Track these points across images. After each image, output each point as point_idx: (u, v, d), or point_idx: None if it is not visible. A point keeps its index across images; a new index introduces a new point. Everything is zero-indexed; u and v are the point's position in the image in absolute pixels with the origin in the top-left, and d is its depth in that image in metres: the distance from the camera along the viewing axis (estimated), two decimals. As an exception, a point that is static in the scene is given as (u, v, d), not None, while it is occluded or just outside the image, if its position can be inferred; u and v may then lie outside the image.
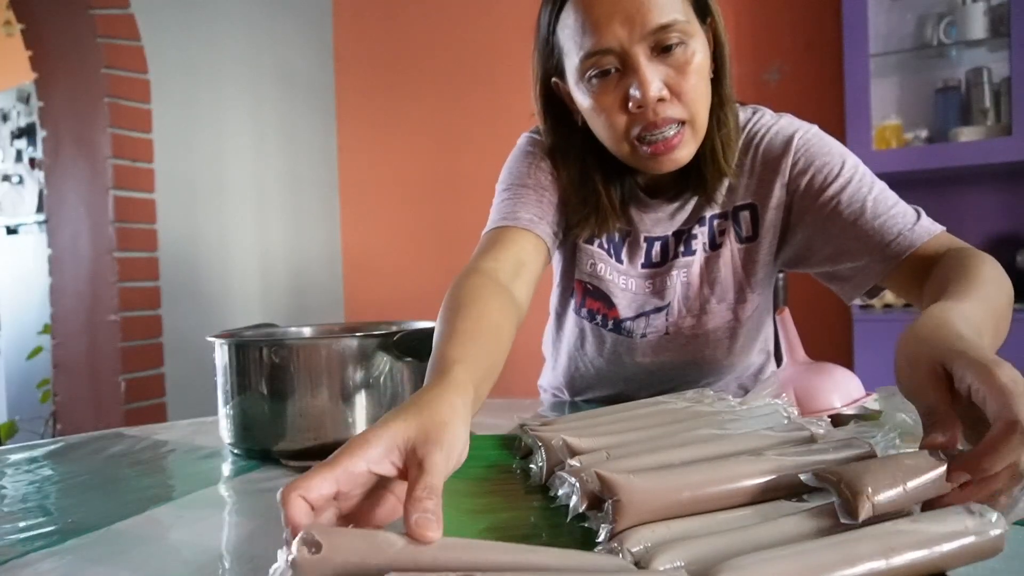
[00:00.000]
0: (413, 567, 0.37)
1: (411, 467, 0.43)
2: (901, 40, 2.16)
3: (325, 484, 0.41)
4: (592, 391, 1.07)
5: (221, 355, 0.76)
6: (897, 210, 0.81)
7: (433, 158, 2.92)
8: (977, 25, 2.02)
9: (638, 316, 0.96)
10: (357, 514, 0.45)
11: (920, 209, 0.82)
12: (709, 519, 0.44)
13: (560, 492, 0.53)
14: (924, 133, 2.11)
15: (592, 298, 0.97)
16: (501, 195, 0.92)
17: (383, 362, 0.74)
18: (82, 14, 2.12)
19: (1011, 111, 1.93)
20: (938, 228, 0.80)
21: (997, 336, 0.61)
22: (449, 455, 0.44)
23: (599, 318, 0.98)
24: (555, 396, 1.14)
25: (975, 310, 0.57)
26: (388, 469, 0.44)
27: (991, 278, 0.66)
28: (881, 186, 0.84)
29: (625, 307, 0.95)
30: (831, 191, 0.83)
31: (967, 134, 2.03)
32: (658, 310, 0.94)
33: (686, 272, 0.93)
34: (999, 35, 2.01)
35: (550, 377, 1.16)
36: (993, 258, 0.71)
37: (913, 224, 0.80)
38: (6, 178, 3.50)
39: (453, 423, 0.46)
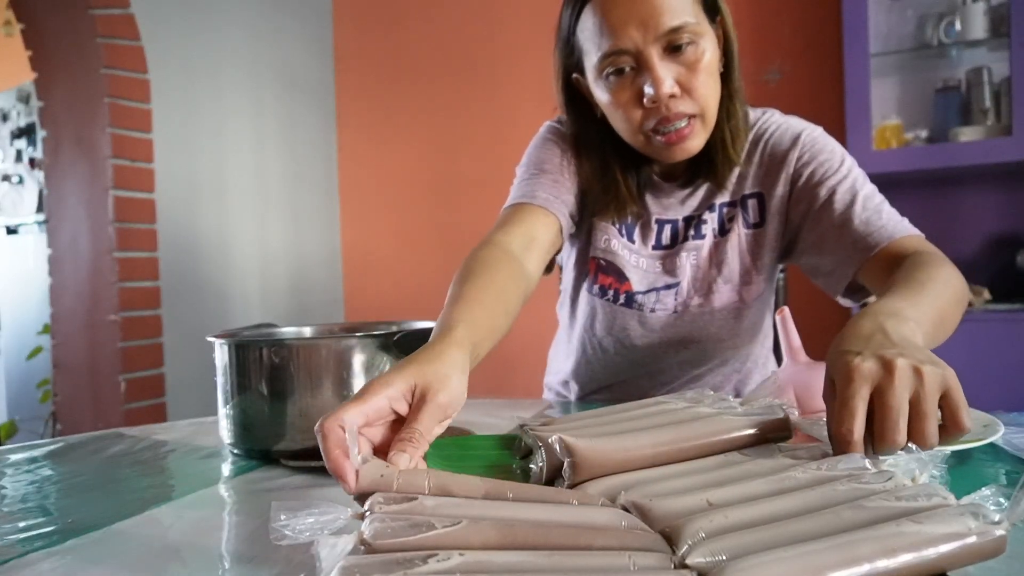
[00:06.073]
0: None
1: (413, 409, 0.53)
2: (901, 40, 2.16)
3: (358, 416, 0.50)
4: (597, 380, 1.09)
5: (221, 355, 0.76)
6: (882, 209, 0.87)
7: (433, 158, 2.92)
8: (977, 25, 2.02)
9: (649, 291, 1.00)
10: (384, 444, 0.53)
11: (905, 218, 0.87)
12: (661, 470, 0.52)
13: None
14: (924, 133, 2.11)
15: (604, 273, 1.01)
16: (520, 176, 0.97)
17: (383, 362, 0.73)
18: (82, 14, 2.11)
19: (1011, 111, 1.93)
20: (916, 231, 0.85)
21: (936, 332, 0.67)
22: (447, 404, 0.54)
23: (611, 293, 1.01)
24: (559, 396, 1.15)
25: (908, 308, 0.62)
26: (403, 407, 0.53)
27: (940, 283, 0.70)
28: (872, 188, 0.90)
29: (637, 282, 0.99)
30: (829, 183, 0.89)
31: (967, 134, 2.03)
32: (668, 287, 0.99)
33: (695, 255, 0.98)
34: (999, 35, 2.01)
35: (556, 371, 1.17)
36: (954, 265, 0.76)
37: (893, 223, 0.85)
38: (6, 178, 3.50)
39: (453, 375, 0.56)
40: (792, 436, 0.57)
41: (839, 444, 0.50)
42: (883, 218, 0.85)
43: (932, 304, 0.65)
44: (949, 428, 0.51)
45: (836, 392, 0.52)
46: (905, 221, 0.86)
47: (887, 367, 0.50)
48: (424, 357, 0.56)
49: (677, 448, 0.54)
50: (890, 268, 0.79)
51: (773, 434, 0.57)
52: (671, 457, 0.54)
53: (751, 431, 0.56)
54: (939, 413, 0.51)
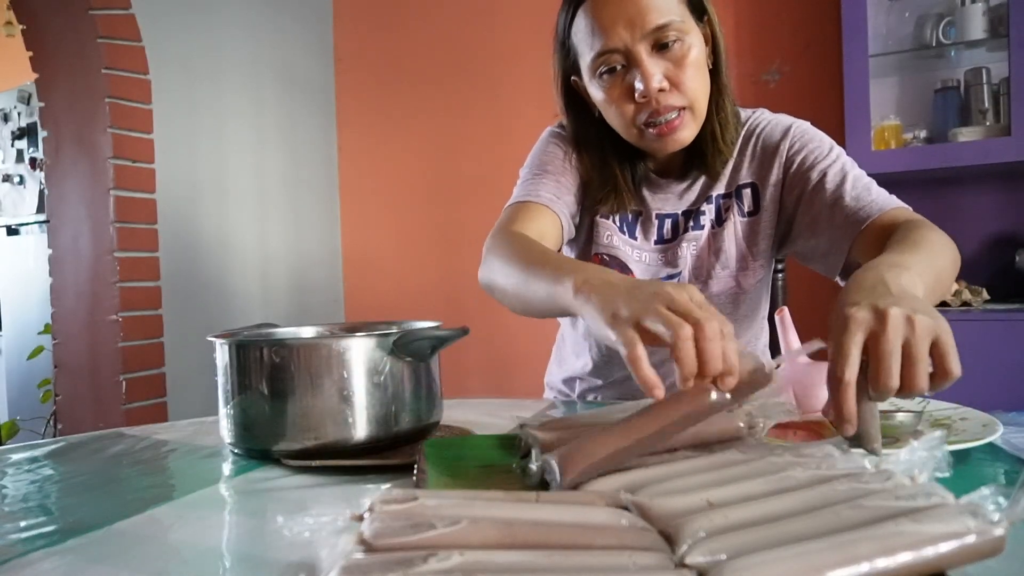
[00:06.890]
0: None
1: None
2: (900, 40, 2.16)
3: None
4: (599, 377, 1.10)
5: (221, 355, 0.76)
6: (872, 187, 0.91)
7: (433, 158, 2.92)
8: (976, 25, 2.02)
9: None
10: None
11: (893, 195, 0.91)
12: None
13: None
14: (923, 133, 2.11)
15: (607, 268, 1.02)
16: (523, 177, 1.02)
17: (383, 362, 0.74)
18: (82, 14, 2.11)
19: (1010, 111, 1.93)
20: (905, 204, 0.89)
21: (936, 287, 0.69)
22: None
23: None
24: (560, 394, 1.16)
25: (908, 261, 0.64)
26: None
27: (935, 243, 0.74)
28: (861, 171, 0.94)
29: (640, 274, 1.03)
30: (820, 167, 0.94)
31: (966, 134, 2.02)
32: (670, 277, 1.03)
33: (695, 245, 1.02)
34: (998, 35, 2.01)
35: (557, 370, 1.18)
36: (944, 233, 0.79)
37: (883, 198, 0.89)
38: (7, 178, 3.50)
39: None
40: (771, 381, 0.57)
41: (834, 387, 0.51)
42: (873, 194, 0.89)
43: (931, 261, 0.68)
44: (939, 373, 0.53)
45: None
46: (894, 197, 0.90)
47: (880, 316, 0.52)
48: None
49: (658, 429, 0.54)
50: (883, 239, 0.82)
51: (751, 388, 0.56)
52: (655, 439, 0.54)
53: (728, 396, 0.55)
54: (931, 362, 0.53)
